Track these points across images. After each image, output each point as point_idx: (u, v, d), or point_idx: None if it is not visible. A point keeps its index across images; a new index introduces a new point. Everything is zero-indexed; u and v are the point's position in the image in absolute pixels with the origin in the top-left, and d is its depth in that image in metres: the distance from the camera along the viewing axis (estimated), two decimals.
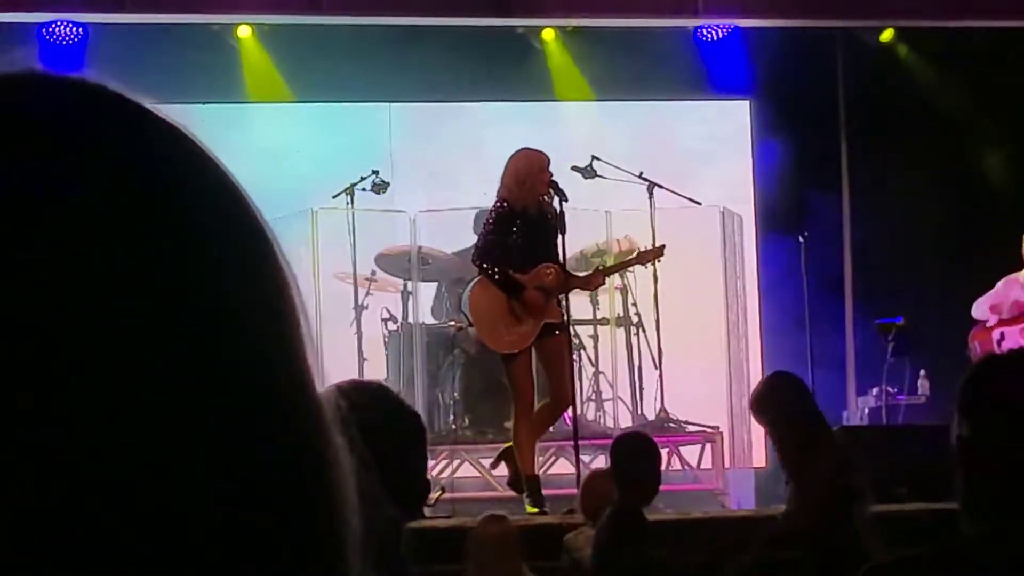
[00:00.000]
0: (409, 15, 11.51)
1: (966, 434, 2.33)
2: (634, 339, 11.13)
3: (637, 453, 6.64)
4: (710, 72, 12.26)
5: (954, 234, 11.53)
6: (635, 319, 11.13)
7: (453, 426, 10.47)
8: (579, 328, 10.28)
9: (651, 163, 10.74)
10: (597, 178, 10.28)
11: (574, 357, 9.38)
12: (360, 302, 10.78)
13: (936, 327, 10.90)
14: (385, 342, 10.97)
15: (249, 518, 0.66)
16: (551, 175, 8.65)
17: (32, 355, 0.63)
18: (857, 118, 12.52)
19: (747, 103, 12.67)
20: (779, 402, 6.69)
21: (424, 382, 10.67)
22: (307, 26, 11.59)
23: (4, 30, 10.91)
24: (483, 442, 10.37)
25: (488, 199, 9.10)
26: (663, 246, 9.29)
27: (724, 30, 12.03)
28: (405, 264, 11.05)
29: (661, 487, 6.79)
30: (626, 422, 11.02)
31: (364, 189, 10.61)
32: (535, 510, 8.48)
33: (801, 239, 10.78)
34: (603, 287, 10.35)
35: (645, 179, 10.29)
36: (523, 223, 8.56)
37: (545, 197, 8.63)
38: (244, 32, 11.68)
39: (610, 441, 10.58)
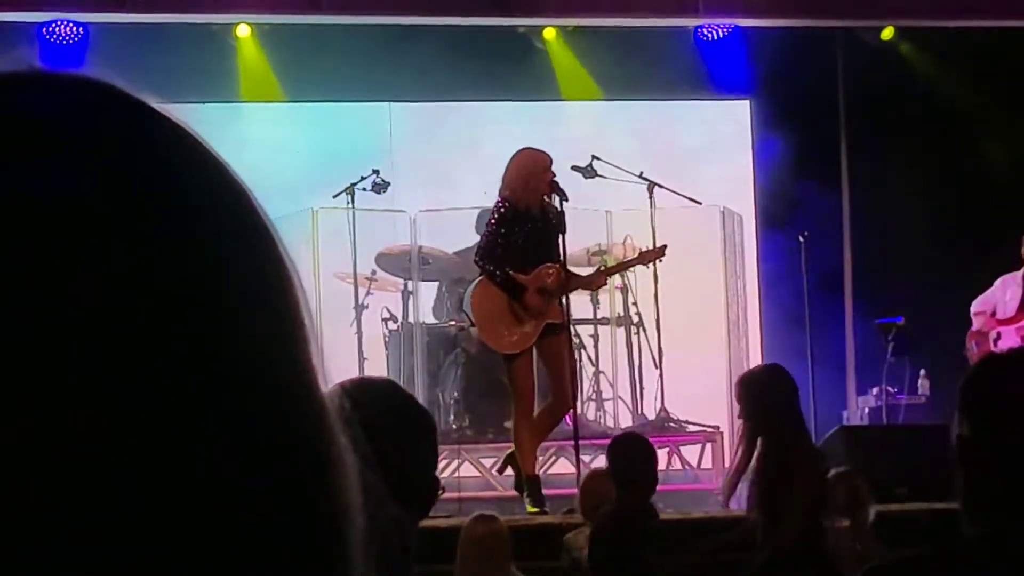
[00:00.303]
0: (409, 15, 11.50)
1: (966, 433, 2.33)
2: (634, 339, 11.13)
3: (633, 453, 6.64)
4: (710, 71, 12.25)
5: (954, 233, 11.52)
6: (635, 319, 11.13)
7: (454, 426, 10.47)
8: (579, 328, 10.28)
9: (651, 163, 10.74)
10: (597, 178, 10.28)
11: (575, 357, 9.36)
12: (360, 302, 10.78)
13: (936, 327, 10.90)
14: (385, 342, 10.97)
15: (251, 518, 0.66)
16: (553, 175, 8.65)
17: (33, 354, 0.63)
18: (857, 117, 12.52)
19: (747, 102, 12.67)
20: (760, 394, 6.68)
21: (424, 382, 10.67)
22: (307, 25, 11.59)
23: (4, 29, 10.91)
24: (483, 441, 10.38)
25: (488, 199, 9.09)
26: (664, 246, 9.27)
27: (724, 30, 12.02)
28: (405, 264, 11.05)
29: (661, 487, 6.79)
30: (626, 422, 11.02)
31: (364, 189, 10.61)
32: (535, 510, 8.48)
33: (801, 238, 10.78)
34: (604, 287, 10.35)
35: (645, 179, 10.29)
36: (525, 223, 8.56)
37: (546, 197, 8.63)
38: (243, 32, 11.68)
39: (609, 441, 10.64)
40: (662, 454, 10.52)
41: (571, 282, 8.70)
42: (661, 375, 10.61)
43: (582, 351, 10.73)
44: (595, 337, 11.15)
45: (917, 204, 11.84)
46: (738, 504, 7.13)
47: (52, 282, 0.64)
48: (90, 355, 0.63)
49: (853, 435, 9.22)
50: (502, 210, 8.58)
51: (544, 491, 8.71)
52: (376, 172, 10.71)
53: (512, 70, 12.09)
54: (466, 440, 10.36)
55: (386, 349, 10.95)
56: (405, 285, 11.13)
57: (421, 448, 2.72)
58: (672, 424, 10.66)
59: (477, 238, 10.59)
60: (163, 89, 0.73)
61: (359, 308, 10.76)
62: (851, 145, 12.59)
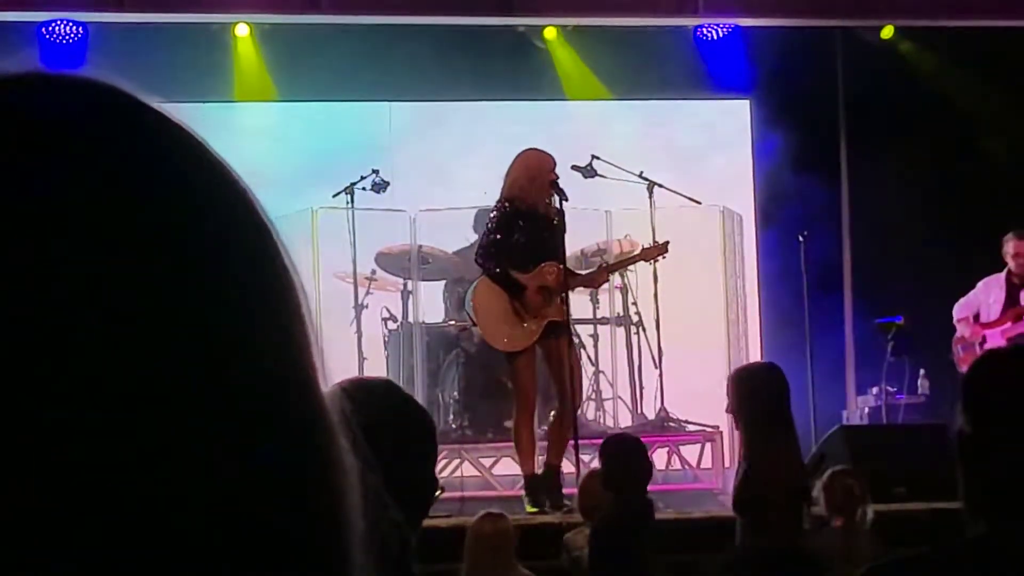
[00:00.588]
0: (408, 14, 11.51)
1: (968, 430, 2.33)
2: (634, 338, 11.13)
3: (623, 454, 6.63)
4: (710, 71, 12.26)
5: (954, 233, 11.53)
6: (635, 318, 11.13)
7: (453, 425, 10.47)
8: (579, 327, 10.28)
9: (651, 162, 10.74)
10: (597, 177, 10.28)
11: (578, 359, 9.34)
12: (360, 301, 10.78)
13: (936, 327, 10.89)
14: (385, 341, 10.97)
15: (251, 519, 0.66)
16: (555, 176, 8.64)
17: (32, 354, 0.63)
18: (857, 117, 12.52)
19: (747, 102, 12.68)
20: (750, 390, 6.69)
21: (424, 381, 10.67)
22: (306, 25, 11.59)
23: (4, 29, 10.91)
24: (483, 441, 10.38)
25: (488, 198, 9.09)
26: (667, 243, 9.26)
27: (724, 29, 12.03)
28: (405, 263, 11.05)
29: (661, 487, 6.80)
30: (626, 421, 11.02)
31: (364, 188, 10.60)
32: (535, 509, 8.48)
33: (801, 238, 10.78)
34: (604, 286, 10.35)
35: (645, 178, 10.29)
36: (527, 223, 8.56)
37: (550, 199, 8.64)
38: (243, 31, 11.68)
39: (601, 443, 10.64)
40: (662, 454, 10.55)
41: (573, 280, 8.70)
42: (661, 375, 10.60)
43: (582, 351, 10.73)
44: (595, 337, 11.15)
45: (917, 204, 11.84)
46: None
47: (53, 283, 0.64)
48: (90, 355, 0.63)
49: (853, 435, 9.22)
50: (504, 210, 8.58)
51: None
52: (376, 172, 10.70)
53: (512, 70, 12.09)
54: (466, 440, 10.36)
55: (386, 349, 10.95)
56: (405, 285, 11.13)
57: (419, 448, 2.72)
58: (672, 424, 10.66)
59: (477, 238, 10.61)
60: (162, 89, 0.73)
61: (359, 308, 10.75)
62: (851, 145, 12.60)
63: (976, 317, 10.61)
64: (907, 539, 6.64)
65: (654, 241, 9.57)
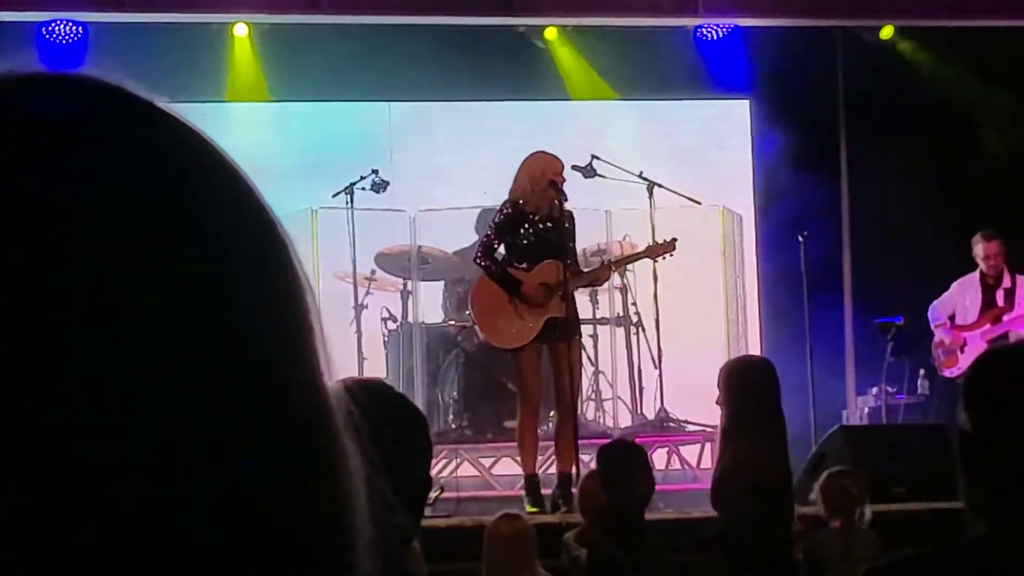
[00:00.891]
0: (408, 14, 11.51)
1: (969, 429, 2.32)
2: (634, 338, 11.13)
3: (620, 458, 6.64)
4: (710, 71, 12.26)
5: (954, 233, 11.52)
6: (635, 318, 11.13)
7: (452, 425, 10.47)
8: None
9: (651, 162, 10.74)
10: (597, 177, 10.28)
11: (581, 365, 9.31)
12: (360, 301, 10.78)
13: None
14: (385, 341, 10.98)
15: (253, 521, 0.66)
16: (555, 179, 8.63)
17: (34, 355, 0.63)
18: (857, 116, 12.53)
19: (747, 102, 12.68)
20: (736, 383, 6.68)
21: (424, 381, 10.67)
22: (306, 25, 11.59)
23: (4, 29, 10.92)
24: (483, 441, 10.38)
25: (488, 198, 9.10)
26: (675, 240, 9.19)
27: (724, 29, 12.03)
28: (405, 263, 11.05)
29: (661, 487, 6.80)
30: (626, 422, 11.03)
31: (364, 188, 10.60)
32: (534, 509, 8.48)
33: (801, 238, 10.77)
34: (604, 286, 10.35)
35: (645, 178, 10.29)
36: (531, 226, 8.58)
37: (556, 201, 8.63)
38: (242, 31, 11.68)
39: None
40: (662, 454, 10.55)
41: (575, 277, 8.70)
42: (660, 375, 10.60)
43: (582, 351, 10.73)
44: (594, 337, 11.15)
45: (917, 204, 11.84)
46: None
47: (55, 283, 0.63)
48: (91, 355, 0.63)
49: (852, 435, 9.22)
50: (507, 211, 8.61)
51: (544, 490, 8.72)
52: (375, 172, 10.70)
53: (512, 70, 12.09)
54: (465, 440, 10.36)
55: (385, 349, 10.96)
56: (404, 285, 11.13)
57: (416, 448, 2.72)
58: (671, 424, 10.66)
59: (475, 238, 10.62)
60: (161, 88, 0.73)
61: (358, 308, 10.75)
62: (851, 144, 12.60)
63: (952, 318, 10.63)
64: (907, 539, 6.64)
65: (657, 239, 9.54)
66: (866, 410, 11.32)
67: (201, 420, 0.65)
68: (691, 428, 10.80)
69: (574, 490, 7.69)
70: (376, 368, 10.54)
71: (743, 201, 12.38)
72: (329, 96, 12.11)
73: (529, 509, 8.49)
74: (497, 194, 9.16)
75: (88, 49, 11.20)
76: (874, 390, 11.24)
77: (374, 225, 10.96)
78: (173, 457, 0.64)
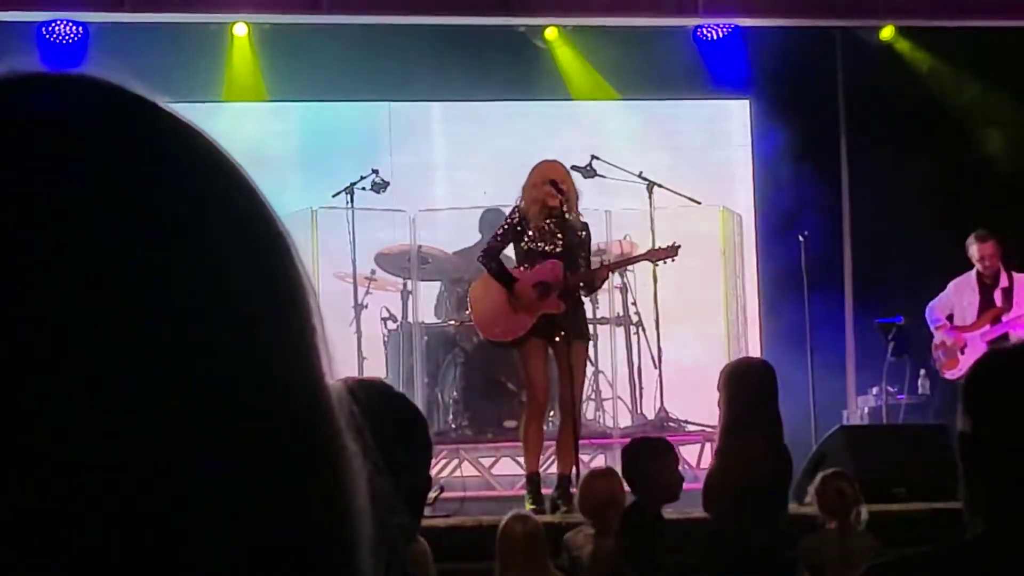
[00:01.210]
0: (408, 14, 11.51)
1: (969, 430, 2.32)
2: (634, 338, 11.13)
3: (643, 456, 6.65)
4: (710, 71, 12.26)
5: (954, 233, 11.51)
6: (635, 318, 11.13)
7: (452, 425, 10.47)
8: None
9: (651, 162, 10.74)
10: (596, 177, 10.27)
11: (585, 368, 9.28)
12: (360, 301, 10.78)
13: None
14: (384, 341, 10.98)
15: (259, 521, 0.66)
16: (553, 183, 8.58)
17: (33, 353, 0.62)
18: (857, 116, 12.52)
19: (747, 102, 12.68)
20: (734, 385, 6.67)
21: (423, 381, 10.68)
22: (306, 25, 11.59)
23: (4, 29, 10.92)
24: (483, 441, 10.38)
25: (488, 198, 9.11)
26: (678, 246, 9.12)
27: (724, 29, 12.03)
28: (405, 263, 11.05)
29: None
30: (625, 422, 11.02)
31: (364, 188, 10.61)
32: (534, 508, 8.47)
33: (801, 238, 10.77)
34: (604, 286, 10.34)
35: (645, 178, 10.29)
36: (539, 231, 8.59)
37: (571, 215, 8.61)
38: (242, 31, 11.68)
39: (609, 441, 10.66)
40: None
41: (572, 277, 8.69)
42: (660, 375, 10.60)
43: (586, 354, 10.72)
44: (594, 336, 11.14)
45: (917, 204, 11.84)
46: None
47: (55, 282, 0.63)
48: (92, 354, 0.63)
49: (853, 435, 9.22)
50: (513, 218, 8.67)
51: (544, 490, 8.71)
52: (375, 171, 10.71)
53: (512, 70, 12.09)
54: (465, 440, 10.36)
55: (385, 349, 10.96)
56: (404, 285, 11.13)
57: (415, 448, 2.72)
58: (671, 424, 10.66)
59: (478, 238, 10.63)
60: (161, 88, 0.73)
61: (358, 308, 10.76)
62: (851, 144, 12.60)
63: (950, 318, 10.63)
64: (907, 539, 6.63)
65: (660, 243, 9.51)
66: (866, 410, 11.32)
67: (202, 420, 0.65)
68: (691, 428, 10.80)
69: (574, 490, 7.69)
70: (376, 368, 10.54)
71: (743, 201, 12.38)
72: (329, 96, 12.11)
73: (529, 508, 8.48)
74: (497, 194, 9.17)
75: (88, 49, 11.19)
76: (874, 390, 11.24)
77: (374, 225, 10.97)
78: (174, 457, 0.64)
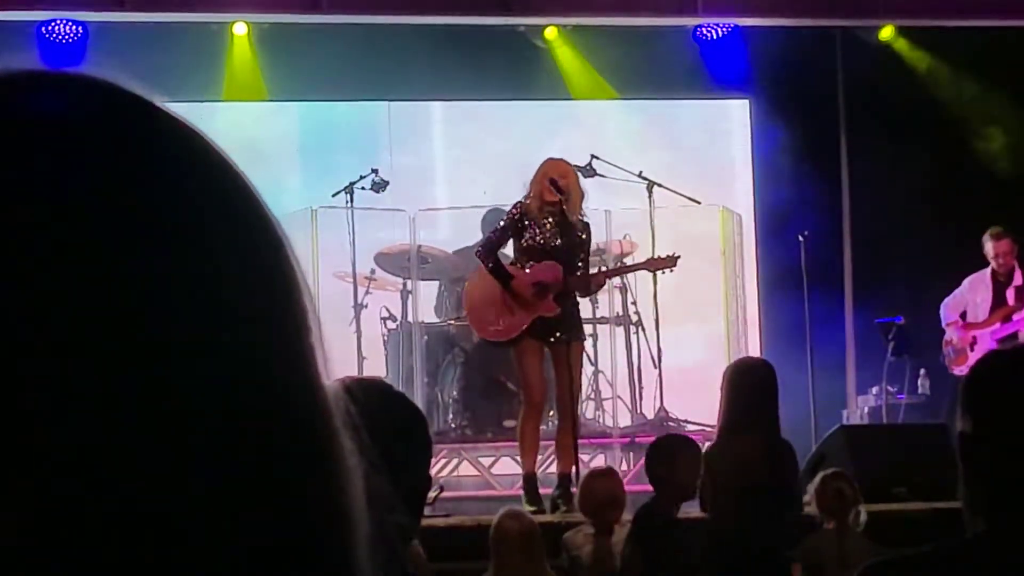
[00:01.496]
0: (408, 14, 11.51)
1: (968, 430, 2.32)
2: (633, 338, 11.13)
3: (671, 452, 6.67)
4: (710, 71, 12.26)
5: (954, 233, 11.52)
6: (634, 318, 11.13)
7: (452, 424, 10.48)
8: None
9: (650, 162, 10.74)
10: (596, 177, 10.27)
11: (581, 370, 9.28)
12: (359, 301, 10.79)
13: (936, 326, 10.90)
14: (384, 341, 10.98)
15: (252, 521, 0.65)
16: (566, 181, 8.58)
17: (31, 356, 0.62)
18: (857, 116, 12.53)
19: (747, 101, 12.68)
20: (733, 384, 6.68)
21: (423, 381, 10.68)
22: (306, 24, 11.60)
23: (4, 29, 10.92)
24: (482, 440, 10.38)
25: (488, 198, 9.10)
26: (678, 257, 9.13)
27: (723, 29, 12.03)
28: (404, 263, 11.05)
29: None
30: (625, 421, 11.02)
31: (364, 188, 10.61)
32: (532, 508, 8.46)
33: (801, 238, 10.78)
34: (603, 286, 10.34)
35: (645, 178, 10.28)
36: (540, 229, 8.58)
37: (573, 215, 8.61)
38: (241, 30, 11.68)
39: (609, 440, 10.66)
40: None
41: (570, 281, 8.69)
42: (660, 374, 10.60)
43: (583, 353, 10.72)
44: (594, 336, 11.15)
45: (917, 203, 11.85)
46: None
47: (54, 282, 0.63)
48: (89, 355, 0.63)
49: (853, 434, 9.21)
50: (515, 214, 8.64)
51: (542, 489, 8.71)
52: (375, 171, 10.71)
53: (512, 69, 12.09)
54: (465, 439, 10.36)
55: (385, 348, 10.96)
56: (404, 284, 11.13)
57: (415, 448, 2.72)
58: (671, 423, 10.66)
59: (479, 237, 10.63)
60: (160, 87, 0.73)
61: (358, 307, 10.76)
62: (851, 144, 12.60)
63: (963, 315, 10.62)
64: (907, 539, 6.62)
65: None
66: (866, 410, 11.32)
67: (200, 420, 0.65)
68: (691, 428, 10.79)
69: (574, 490, 7.69)
70: (376, 367, 10.54)
71: (743, 201, 12.38)
72: (329, 96, 12.11)
73: (527, 508, 8.48)
74: (497, 194, 9.17)
75: (88, 48, 11.20)
76: (874, 390, 11.24)
77: (374, 224, 10.97)
78: (173, 457, 0.64)
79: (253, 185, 0.71)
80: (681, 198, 10.30)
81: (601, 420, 11.05)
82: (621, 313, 11.18)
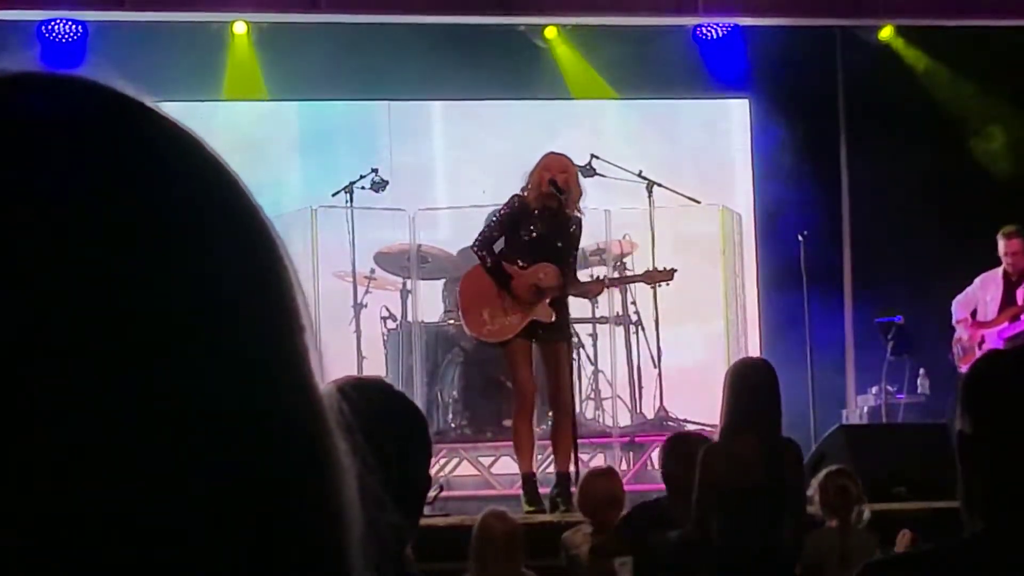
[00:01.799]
0: (408, 13, 11.51)
1: (968, 430, 2.32)
2: (633, 338, 11.13)
3: (672, 451, 6.68)
4: (709, 70, 12.26)
5: (954, 232, 11.53)
6: (634, 317, 11.13)
7: (452, 424, 10.47)
8: (578, 327, 10.27)
9: (650, 161, 10.74)
10: (596, 176, 10.27)
11: (573, 367, 9.29)
12: (359, 300, 10.79)
13: (935, 326, 10.90)
14: (384, 340, 10.97)
15: (247, 521, 0.65)
16: (565, 178, 8.57)
17: (25, 358, 0.62)
18: (856, 115, 12.53)
19: (746, 101, 12.68)
20: (733, 384, 6.67)
21: (423, 380, 10.67)
22: (305, 24, 11.59)
23: (4, 28, 10.91)
24: (482, 440, 10.38)
25: (488, 198, 9.08)
26: (674, 270, 9.14)
27: (723, 28, 12.03)
28: (404, 262, 11.05)
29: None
30: (625, 421, 11.02)
31: (363, 187, 10.61)
32: (531, 508, 8.47)
33: (800, 237, 10.78)
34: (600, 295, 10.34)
35: (644, 177, 10.29)
36: (534, 224, 8.56)
37: (576, 212, 8.60)
38: (241, 29, 11.68)
39: (609, 440, 10.66)
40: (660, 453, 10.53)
41: (568, 286, 8.67)
42: (660, 374, 10.60)
43: (580, 350, 10.73)
44: (594, 336, 11.15)
45: (917, 203, 11.85)
46: None
47: (49, 284, 0.63)
48: (81, 357, 0.63)
49: (852, 434, 9.22)
50: (512, 207, 8.61)
51: (541, 489, 8.71)
52: (375, 171, 10.71)
53: (511, 69, 12.09)
54: (464, 439, 10.36)
55: (385, 348, 10.95)
56: (404, 284, 11.12)
57: (414, 447, 2.72)
58: (671, 423, 10.66)
59: None
60: (160, 87, 0.73)
61: (358, 307, 10.76)
62: (850, 143, 12.60)
63: (974, 314, 10.60)
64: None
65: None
66: (866, 409, 11.32)
67: (189, 419, 0.64)
68: (690, 427, 10.79)
69: (573, 489, 7.69)
70: (375, 367, 10.54)
71: (743, 200, 12.38)
72: (328, 95, 12.11)
73: (527, 508, 8.48)
74: (497, 193, 9.16)
75: (88, 48, 11.19)
76: (874, 389, 11.24)
77: (373, 224, 10.97)
78: (167, 457, 0.64)
79: (246, 186, 0.71)
80: (681, 198, 10.30)
81: (601, 420, 11.04)
82: (621, 313, 11.18)
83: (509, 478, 9.98)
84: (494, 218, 8.79)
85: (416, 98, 12.18)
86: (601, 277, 9.68)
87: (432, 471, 3.06)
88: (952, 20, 12.02)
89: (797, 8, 12.00)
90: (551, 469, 9.04)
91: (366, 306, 10.86)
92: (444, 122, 12.49)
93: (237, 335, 0.67)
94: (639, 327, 11.07)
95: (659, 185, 10.26)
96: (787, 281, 11.33)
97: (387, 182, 10.74)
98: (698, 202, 10.54)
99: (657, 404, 10.70)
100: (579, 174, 8.94)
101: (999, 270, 10.47)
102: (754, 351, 11.75)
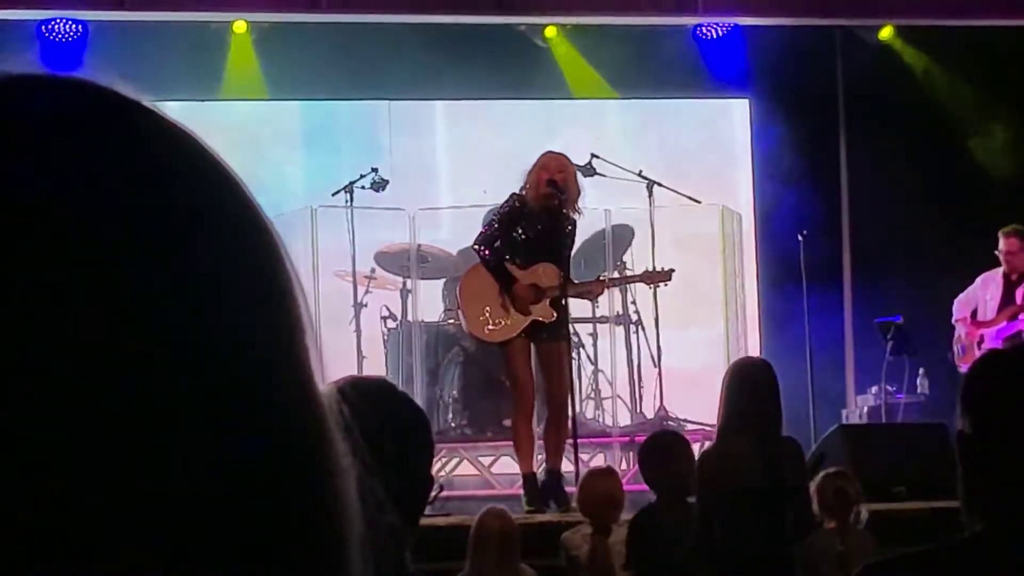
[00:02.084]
0: (408, 13, 11.51)
1: (968, 430, 2.32)
2: (633, 337, 11.13)
3: (655, 455, 6.66)
4: (709, 70, 12.26)
5: (954, 232, 11.53)
6: (634, 317, 11.13)
7: (452, 424, 10.47)
8: (578, 326, 10.28)
9: (650, 161, 10.74)
10: (596, 176, 10.27)
11: (571, 366, 9.29)
12: (359, 300, 10.78)
13: (935, 326, 10.90)
14: (384, 340, 10.97)
15: (248, 522, 0.65)
16: (555, 177, 8.57)
17: (21, 358, 0.62)
18: (856, 115, 12.53)
19: (746, 101, 12.68)
20: (732, 384, 6.67)
21: (423, 380, 10.67)
22: (306, 23, 11.59)
23: (4, 27, 10.92)
24: (482, 440, 10.38)
25: (488, 197, 9.08)
26: (672, 271, 9.17)
27: (723, 28, 12.03)
28: (404, 262, 11.05)
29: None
30: (625, 420, 11.02)
31: (363, 187, 10.61)
32: (532, 508, 8.47)
33: (800, 237, 10.78)
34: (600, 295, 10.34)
35: (645, 177, 10.29)
36: (530, 223, 8.56)
37: (574, 212, 8.61)
38: (241, 29, 11.68)
39: (609, 439, 10.66)
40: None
41: (568, 287, 8.67)
42: (660, 374, 10.60)
43: (580, 350, 10.73)
44: (594, 336, 11.15)
45: (916, 202, 11.85)
46: None
47: (49, 284, 0.63)
48: (82, 360, 0.63)
49: (852, 434, 9.22)
50: (513, 204, 8.62)
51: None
52: (375, 170, 10.71)
53: (512, 68, 12.09)
54: (465, 438, 10.36)
55: (385, 347, 10.95)
56: (404, 283, 11.12)
57: (416, 447, 2.71)
58: (671, 423, 10.66)
59: None
60: (160, 87, 0.73)
61: (358, 306, 10.76)
62: (850, 143, 12.60)
63: (974, 314, 10.60)
64: (907, 539, 6.63)
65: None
66: (865, 409, 11.32)
67: (188, 418, 0.65)
68: (690, 427, 10.79)
69: (570, 489, 7.69)
70: (376, 367, 10.54)
71: (743, 200, 12.38)
72: (329, 94, 12.11)
73: (527, 508, 8.49)
74: (497, 193, 9.16)
75: (88, 47, 11.20)
76: (874, 389, 11.24)
77: (374, 224, 10.96)
78: (163, 459, 0.64)
79: (246, 186, 0.71)
80: (681, 197, 10.31)
81: (601, 420, 11.05)
82: (621, 312, 11.18)
83: (509, 478, 9.98)
84: (494, 217, 8.79)
85: (416, 97, 12.18)
86: (601, 277, 9.68)
87: (432, 471, 3.06)
88: (952, 20, 12.02)
89: (797, 8, 12.00)
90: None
91: (366, 306, 10.86)
92: (444, 122, 12.49)
93: (237, 335, 0.67)
94: (639, 327, 11.07)
95: (659, 185, 10.26)
96: (787, 281, 11.33)
97: (387, 182, 10.74)
98: (698, 202, 10.54)
99: (657, 404, 10.70)
100: (577, 173, 8.94)
101: (999, 270, 10.47)
102: (754, 351, 11.75)
